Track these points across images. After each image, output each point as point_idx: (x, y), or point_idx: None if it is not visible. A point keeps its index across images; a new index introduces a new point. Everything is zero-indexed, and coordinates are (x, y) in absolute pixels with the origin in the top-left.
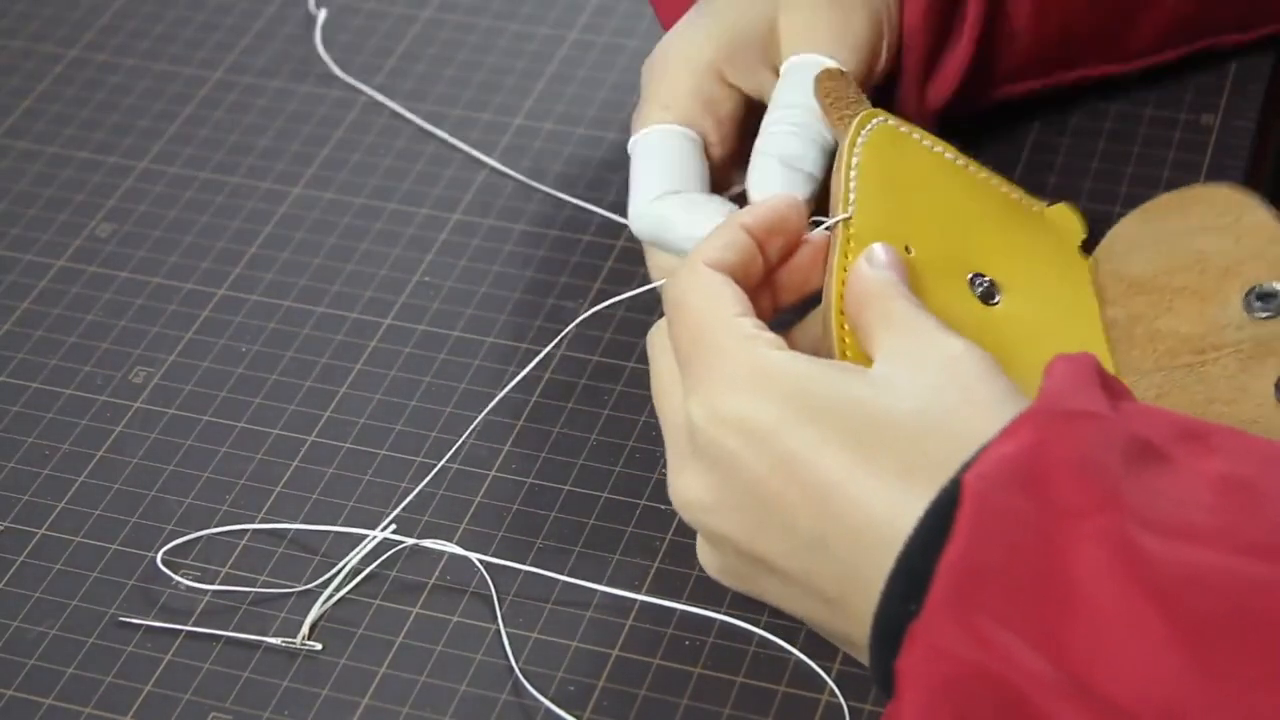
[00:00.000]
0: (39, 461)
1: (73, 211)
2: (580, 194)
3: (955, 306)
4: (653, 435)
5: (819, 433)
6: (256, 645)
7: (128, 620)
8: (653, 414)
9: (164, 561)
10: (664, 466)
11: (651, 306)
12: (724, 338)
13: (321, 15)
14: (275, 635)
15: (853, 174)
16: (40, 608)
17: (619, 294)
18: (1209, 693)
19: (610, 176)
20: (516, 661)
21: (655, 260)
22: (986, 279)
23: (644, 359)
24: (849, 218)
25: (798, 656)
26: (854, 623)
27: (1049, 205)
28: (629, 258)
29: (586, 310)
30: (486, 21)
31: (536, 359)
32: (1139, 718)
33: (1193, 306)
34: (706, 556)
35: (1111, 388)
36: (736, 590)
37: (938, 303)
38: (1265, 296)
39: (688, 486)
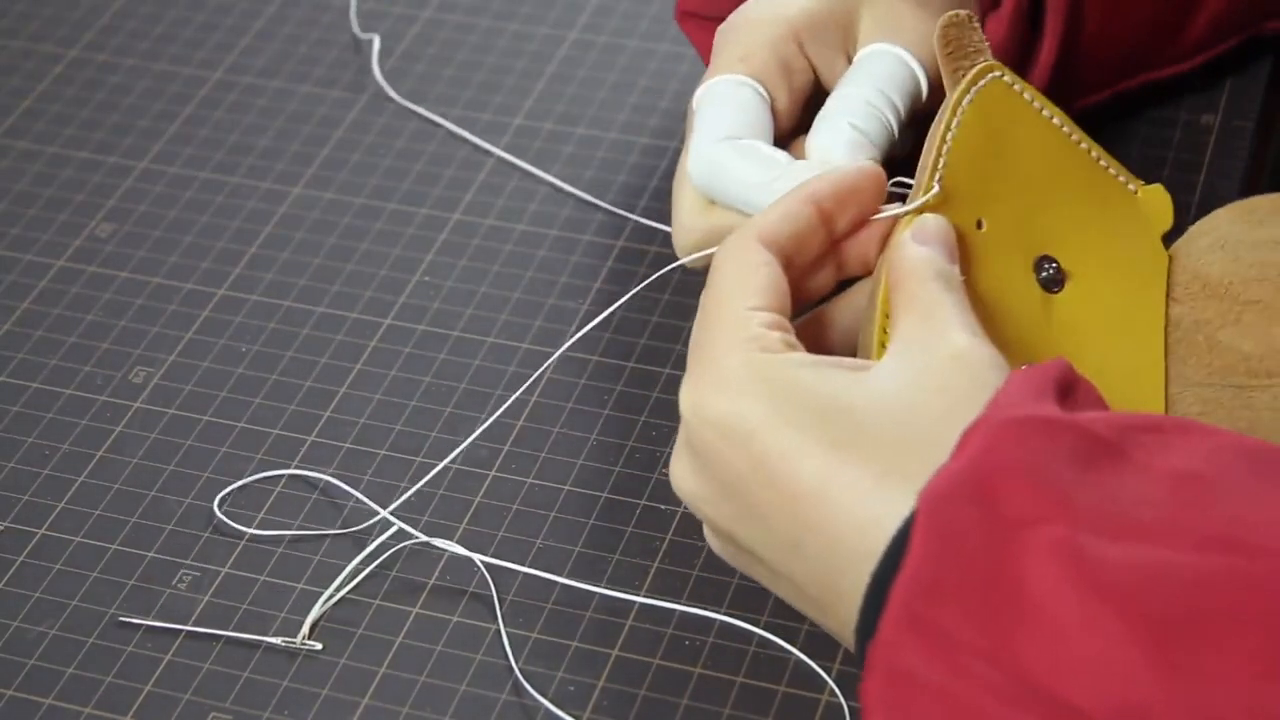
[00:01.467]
0: (39, 461)
1: (73, 211)
2: (580, 194)
3: (1014, 291)
4: (652, 435)
5: (798, 439)
6: (256, 645)
7: (128, 620)
8: (653, 414)
9: (164, 562)
10: (664, 466)
11: (651, 307)
12: (725, 331)
13: (376, 43)
14: (275, 635)
15: (950, 134)
16: (40, 608)
17: (619, 294)
18: (1169, 689)
19: (611, 177)
20: (516, 661)
21: (681, 216)
22: (1054, 264)
23: (644, 359)
24: (930, 197)
25: (798, 656)
26: (840, 625)
27: (1145, 185)
28: (629, 258)
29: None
30: (486, 21)
31: (596, 320)
32: (1097, 719)
33: (1261, 323)
34: (709, 536)
35: (1076, 393)
36: (732, 563)
37: (997, 284)
38: None
39: (681, 472)
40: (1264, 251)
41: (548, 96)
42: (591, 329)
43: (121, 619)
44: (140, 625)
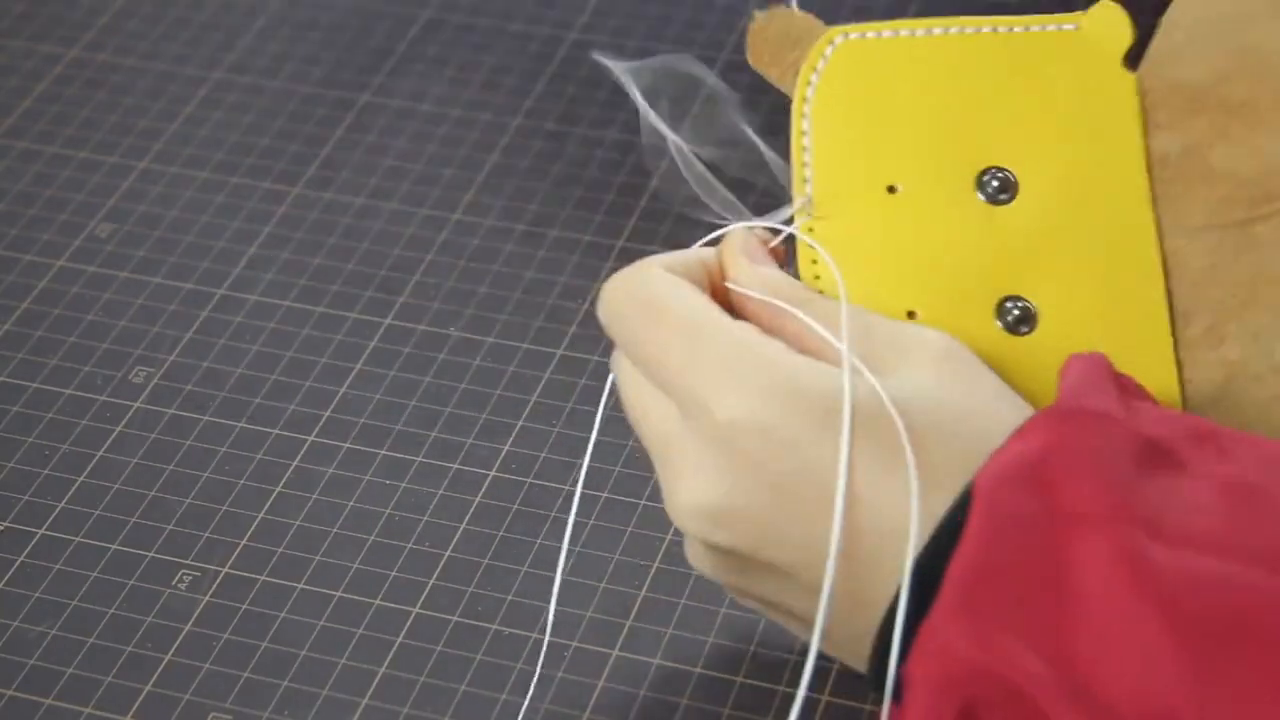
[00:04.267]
0: (39, 461)
1: (73, 211)
2: (580, 194)
3: (960, 227)
4: None
5: (839, 437)
6: (256, 645)
7: (128, 620)
8: None
9: (164, 562)
10: None
11: None
12: (731, 340)
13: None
14: (275, 636)
15: (806, 138)
16: (40, 608)
17: None
18: (1206, 702)
19: (610, 178)
20: (516, 662)
21: None
22: (999, 173)
23: None
24: (804, 205)
25: (797, 656)
26: (869, 620)
27: (1087, 12)
28: (629, 257)
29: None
30: (486, 21)
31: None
32: None
33: (1251, 134)
34: (701, 555)
35: (1125, 386)
36: (727, 583)
37: (939, 226)
38: None
39: (692, 499)
40: (1238, 35)
41: (547, 96)
42: (590, 330)
43: (121, 619)
44: (140, 625)
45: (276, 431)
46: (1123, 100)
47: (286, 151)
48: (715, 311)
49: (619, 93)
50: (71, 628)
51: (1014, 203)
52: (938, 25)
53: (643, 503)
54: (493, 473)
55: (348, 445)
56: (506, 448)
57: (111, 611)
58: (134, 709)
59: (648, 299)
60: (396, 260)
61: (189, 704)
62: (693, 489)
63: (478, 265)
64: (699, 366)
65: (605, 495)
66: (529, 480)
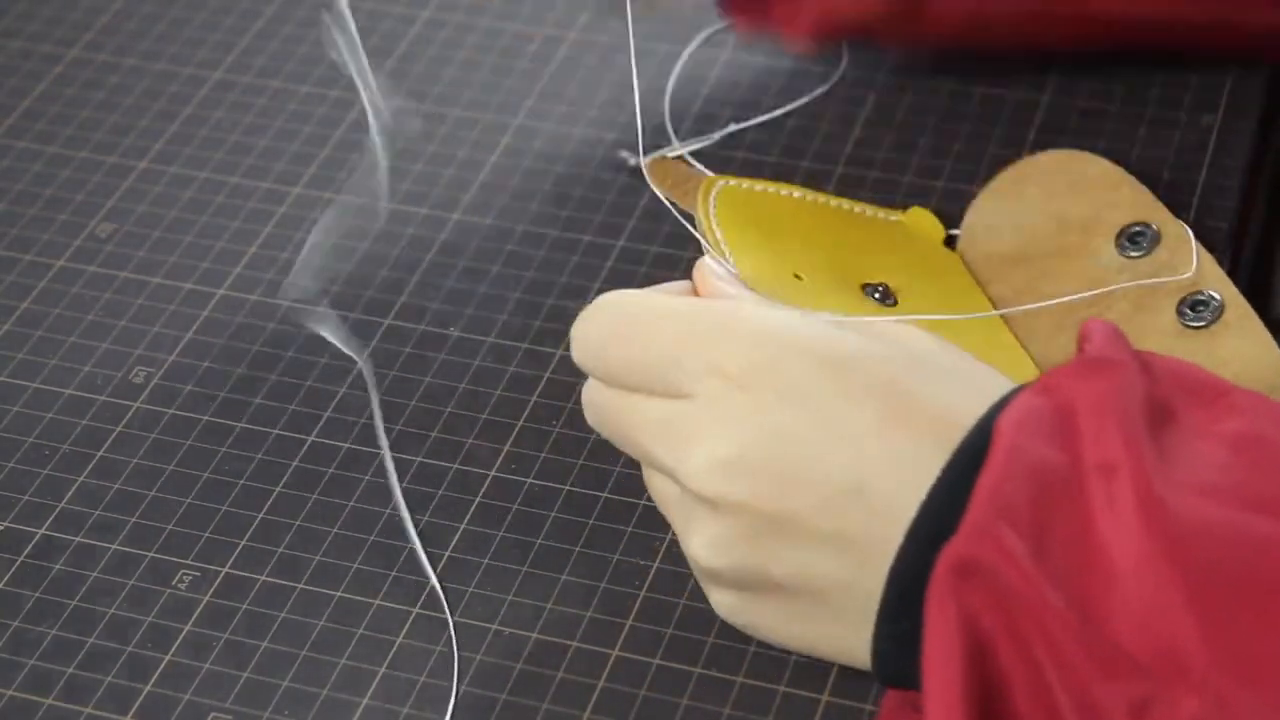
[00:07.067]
0: (39, 461)
1: (73, 211)
2: (580, 194)
3: (859, 314)
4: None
5: (850, 383)
6: (256, 645)
7: (128, 620)
8: None
9: (164, 562)
10: None
11: None
12: (724, 307)
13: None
14: (275, 636)
15: (715, 224)
16: (40, 608)
17: None
18: (1210, 640)
19: (611, 177)
20: (516, 662)
21: None
22: (880, 285)
23: None
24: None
25: (797, 657)
26: (876, 576)
27: (904, 212)
28: (629, 258)
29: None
30: (486, 21)
31: None
32: (1142, 661)
33: (1070, 266)
34: (708, 547)
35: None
36: (735, 581)
37: (842, 312)
38: (1134, 237)
39: (709, 455)
40: (1032, 214)
41: (548, 96)
42: None
43: (121, 619)
44: (140, 625)
45: (276, 432)
46: (952, 267)
47: (286, 151)
48: (690, 297)
49: (618, 92)
50: (71, 628)
51: (898, 306)
52: (797, 190)
53: (642, 503)
54: (493, 473)
55: (348, 445)
56: (506, 448)
57: (111, 611)
58: (134, 709)
59: (625, 316)
60: (397, 260)
61: (189, 704)
62: (708, 447)
63: (478, 265)
64: (700, 337)
65: (605, 495)
66: (529, 480)
